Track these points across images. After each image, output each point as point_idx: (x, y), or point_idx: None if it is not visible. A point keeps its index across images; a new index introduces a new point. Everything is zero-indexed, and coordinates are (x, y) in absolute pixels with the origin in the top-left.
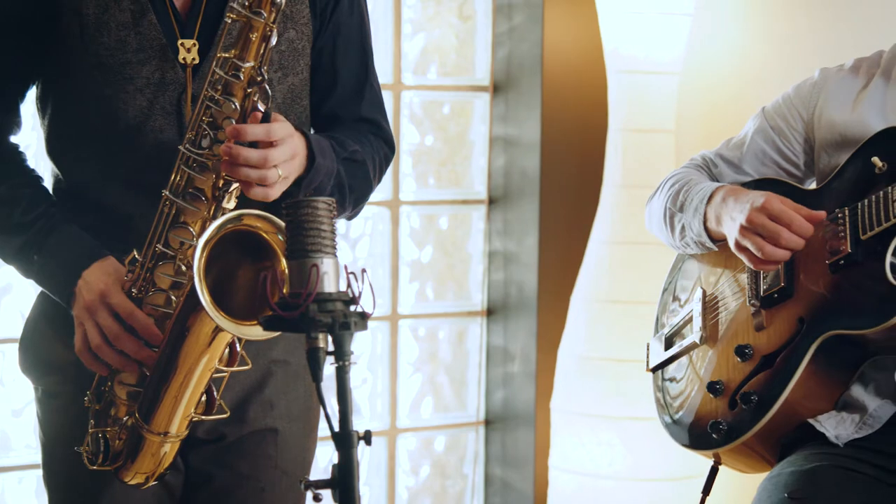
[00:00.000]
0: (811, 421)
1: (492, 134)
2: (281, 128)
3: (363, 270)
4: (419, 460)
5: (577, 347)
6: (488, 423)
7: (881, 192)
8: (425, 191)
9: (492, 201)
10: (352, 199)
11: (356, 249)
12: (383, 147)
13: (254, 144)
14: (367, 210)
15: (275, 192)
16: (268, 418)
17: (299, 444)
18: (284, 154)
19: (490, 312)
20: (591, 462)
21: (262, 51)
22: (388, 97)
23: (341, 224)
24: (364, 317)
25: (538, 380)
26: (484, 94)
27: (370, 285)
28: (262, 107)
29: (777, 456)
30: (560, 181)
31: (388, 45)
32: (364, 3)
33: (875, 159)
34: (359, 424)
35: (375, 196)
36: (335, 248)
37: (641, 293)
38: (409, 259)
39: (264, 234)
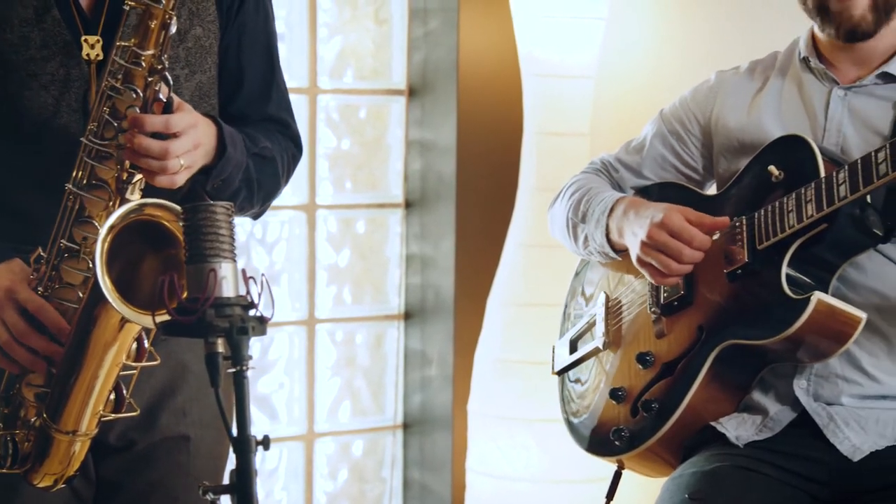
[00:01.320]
0: (712, 422)
1: (408, 138)
2: (182, 118)
3: (262, 275)
4: (337, 465)
5: (493, 350)
6: (406, 426)
7: (777, 203)
8: (342, 195)
9: (409, 205)
10: (260, 195)
11: (273, 254)
12: (291, 147)
13: (157, 133)
14: (283, 214)
15: (178, 181)
16: (180, 425)
17: (212, 452)
18: (186, 145)
19: (407, 316)
20: (507, 464)
21: (161, 39)
22: (304, 101)
23: (258, 229)
24: (263, 321)
25: (455, 383)
26: (400, 98)
27: (269, 289)
28: (163, 96)
29: (680, 459)
30: (476, 185)
31: (304, 49)
32: (270, 3)
33: (771, 168)
34: (276, 429)
35: (292, 200)
36: (234, 253)
37: (557, 296)
38: (327, 263)
39: (167, 223)
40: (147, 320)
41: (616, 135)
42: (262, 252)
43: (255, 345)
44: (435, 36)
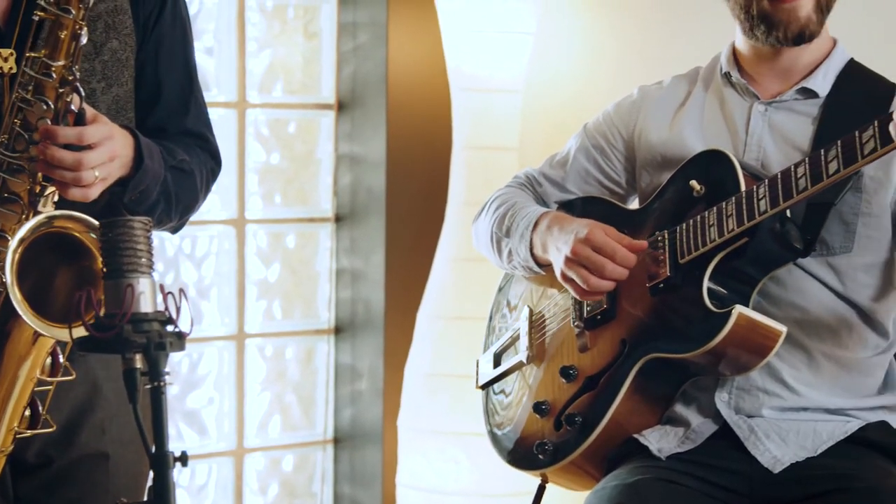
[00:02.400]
0: (635, 435)
1: (338, 152)
2: (97, 130)
3: (181, 290)
4: (267, 480)
5: (423, 364)
6: (337, 441)
7: (698, 217)
8: (272, 209)
9: (339, 219)
10: (178, 209)
11: (202, 268)
12: (210, 161)
13: (71, 145)
14: (212, 229)
15: (93, 194)
16: (99, 442)
17: (132, 470)
18: (101, 156)
19: (338, 330)
20: (437, 478)
21: (72, 49)
22: (233, 115)
23: (187, 244)
24: (181, 336)
25: (385, 397)
26: (330, 112)
27: (187, 305)
28: (75, 107)
29: (603, 472)
30: (406, 199)
31: (233, 63)
32: (187, 17)
33: (693, 183)
34: (205, 445)
35: (221, 214)
36: (152, 268)
37: (486, 310)
38: (256, 278)
39: (78, 235)
40: (62, 334)
41: (544, 149)
42: (191, 267)
43: (183, 360)
44: (364, 50)
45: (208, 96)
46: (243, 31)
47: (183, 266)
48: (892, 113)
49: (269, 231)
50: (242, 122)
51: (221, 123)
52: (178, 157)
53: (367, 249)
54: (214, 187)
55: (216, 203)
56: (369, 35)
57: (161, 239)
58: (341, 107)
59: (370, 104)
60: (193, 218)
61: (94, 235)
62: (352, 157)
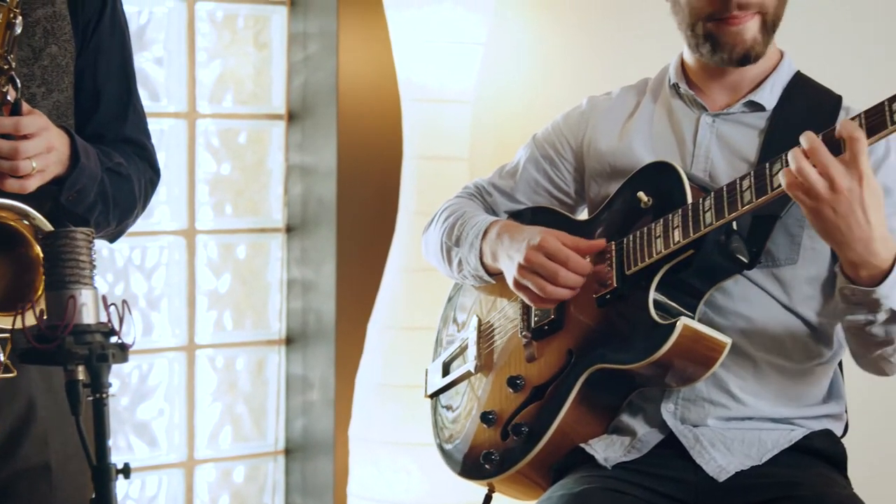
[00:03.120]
0: (582, 444)
1: (288, 162)
2: (33, 121)
3: (124, 301)
4: (218, 491)
5: (374, 375)
6: (288, 452)
7: (645, 228)
8: (222, 219)
9: (289, 230)
10: (116, 213)
11: (152, 279)
12: (149, 170)
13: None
14: (162, 239)
15: (31, 185)
16: (41, 455)
17: (75, 482)
18: (39, 146)
19: (289, 341)
20: (388, 489)
21: (6, 38)
22: (183, 126)
23: (136, 254)
24: (124, 348)
25: (337, 408)
26: (280, 122)
27: (130, 316)
28: (11, 97)
29: (550, 481)
30: (356, 209)
31: (183, 73)
32: (126, 25)
33: (640, 194)
34: (155, 456)
35: (171, 225)
36: (94, 279)
37: (437, 320)
38: (207, 288)
39: (11, 223)
40: (4, 321)
41: (494, 159)
42: (141, 278)
43: (133, 371)
44: (315, 60)
45: (158, 106)
46: (193, 42)
47: (133, 277)
48: (833, 128)
49: (219, 241)
50: (193, 133)
51: (171, 134)
52: (114, 160)
53: (318, 260)
54: (164, 197)
55: (166, 213)
56: (320, 45)
57: (111, 250)
58: (292, 117)
59: (321, 114)
60: (143, 228)
61: (26, 222)
62: (302, 167)
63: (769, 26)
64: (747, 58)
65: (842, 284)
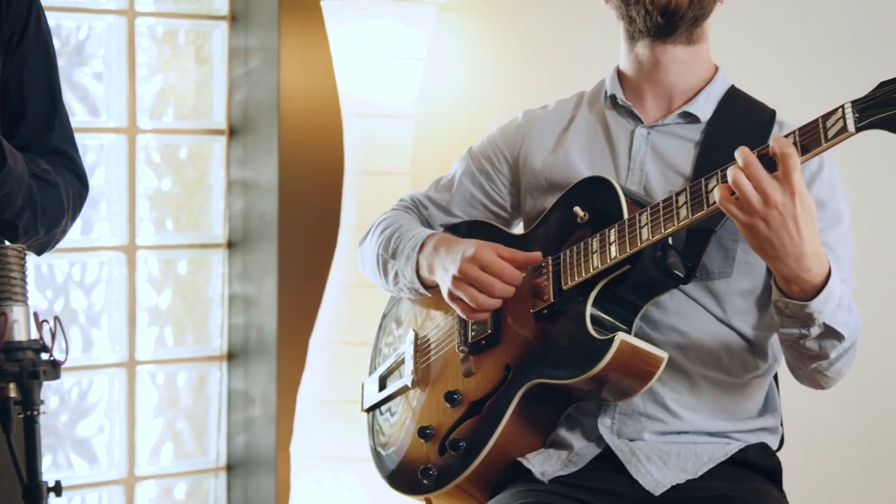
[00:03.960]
0: (519, 458)
1: (230, 177)
2: None
3: (56, 318)
4: None
5: (316, 390)
6: (230, 468)
7: (582, 244)
8: (163, 235)
9: (231, 245)
10: (44, 221)
11: (91, 295)
12: (76, 182)
13: None
14: (102, 255)
15: None
16: None
17: (8, 501)
18: None
19: (231, 357)
20: None
21: None
22: (123, 141)
23: (76, 270)
24: (56, 365)
25: (278, 423)
26: (221, 137)
27: (63, 333)
28: None
29: (488, 495)
30: (298, 224)
31: (123, 89)
32: (50, 37)
33: (577, 209)
34: (95, 474)
35: (111, 241)
36: (26, 296)
37: None
38: (148, 304)
39: None
40: None
41: (436, 173)
42: (81, 294)
43: (73, 388)
44: (256, 75)
45: (98, 122)
46: (133, 57)
47: (72, 293)
48: (767, 145)
49: (160, 257)
50: (133, 148)
51: (111, 149)
52: (41, 167)
53: (259, 275)
54: (104, 213)
55: (106, 229)
56: (261, 60)
57: (50, 266)
58: (233, 132)
59: (262, 129)
60: (83, 244)
61: None
62: (244, 182)
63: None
64: (666, 9)
65: (776, 298)
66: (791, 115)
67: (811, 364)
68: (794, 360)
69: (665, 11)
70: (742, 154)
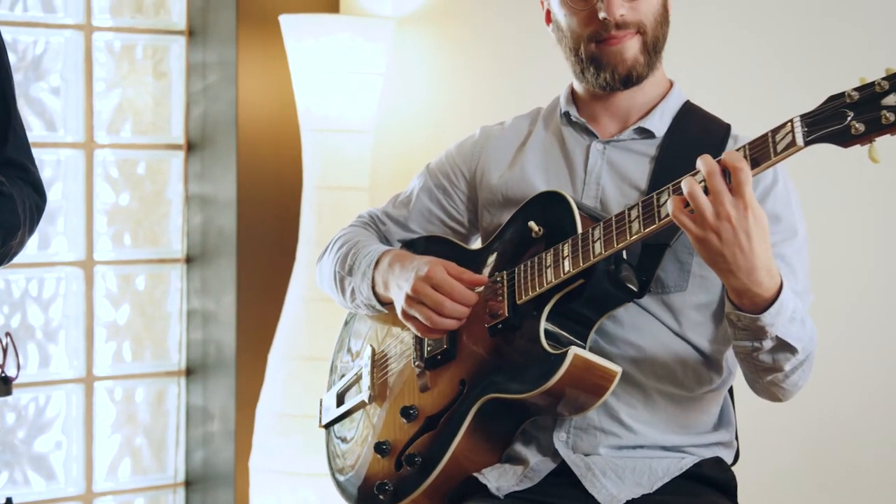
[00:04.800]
0: (475, 473)
1: (188, 192)
2: None
3: (7, 334)
4: None
5: (274, 405)
6: (188, 484)
7: (536, 258)
8: (121, 250)
9: (189, 260)
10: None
11: (49, 311)
12: (32, 194)
13: None
14: (59, 270)
15: None
16: None
17: None
18: None
19: (189, 372)
20: None
21: None
22: (80, 156)
23: (33, 286)
24: (7, 381)
25: (237, 439)
26: (180, 152)
27: (14, 349)
28: None
29: None
30: (257, 239)
31: (80, 103)
32: (3, 49)
33: (531, 224)
34: (53, 490)
35: (69, 256)
36: None
37: None
38: (106, 320)
39: None
40: None
41: (395, 189)
42: (38, 309)
43: (30, 404)
44: (214, 90)
45: (55, 136)
46: (91, 71)
47: (29, 308)
48: (720, 158)
49: (118, 272)
50: (90, 163)
51: (69, 164)
52: None
53: (218, 290)
54: (62, 228)
55: (63, 244)
56: (219, 75)
57: (7, 281)
58: (191, 147)
59: (220, 144)
60: (40, 259)
61: None
62: (202, 197)
63: (650, 47)
64: (630, 78)
65: (728, 310)
66: (746, 126)
67: (767, 377)
68: (749, 372)
69: (626, 81)
70: (705, 163)
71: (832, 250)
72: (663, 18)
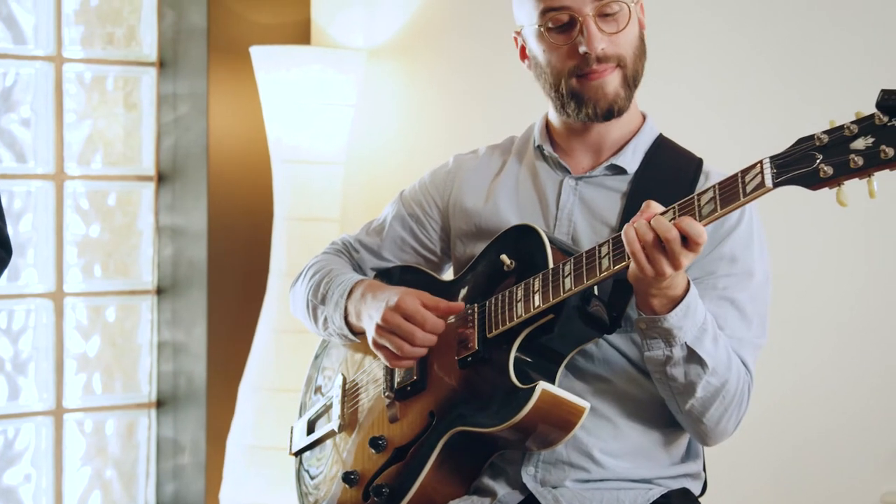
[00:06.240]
0: None
1: (159, 223)
2: None
3: None
4: None
5: (245, 437)
6: None
7: (507, 292)
8: (91, 282)
9: (160, 291)
10: None
11: (18, 343)
12: None
13: None
14: (29, 302)
15: None
16: None
17: None
18: None
19: (160, 404)
20: None
21: None
22: (50, 187)
23: (2, 318)
24: None
25: (208, 471)
26: (150, 183)
27: None
28: None
29: None
30: (227, 271)
31: (50, 135)
32: None
33: (503, 257)
34: None
35: (38, 288)
36: None
37: None
38: (76, 352)
39: None
40: None
41: (366, 219)
42: (7, 342)
43: None
44: (185, 122)
45: (25, 168)
46: (61, 103)
47: None
48: (693, 196)
49: (88, 304)
50: (60, 194)
51: (39, 195)
52: None
53: (188, 321)
54: (32, 260)
55: (33, 276)
56: (190, 106)
57: None
58: (162, 178)
59: (191, 175)
60: (10, 291)
61: None
62: (173, 228)
63: (629, 80)
64: (611, 111)
65: (637, 319)
66: (720, 161)
67: (684, 404)
68: (667, 398)
69: (608, 114)
70: (647, 205)
71: (813, 292)
72: (641, 52)
